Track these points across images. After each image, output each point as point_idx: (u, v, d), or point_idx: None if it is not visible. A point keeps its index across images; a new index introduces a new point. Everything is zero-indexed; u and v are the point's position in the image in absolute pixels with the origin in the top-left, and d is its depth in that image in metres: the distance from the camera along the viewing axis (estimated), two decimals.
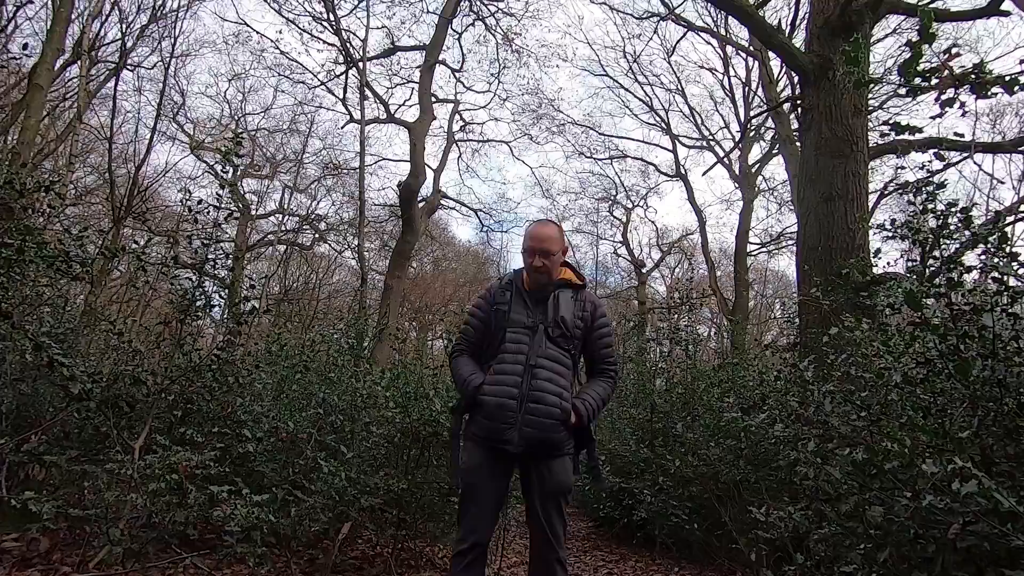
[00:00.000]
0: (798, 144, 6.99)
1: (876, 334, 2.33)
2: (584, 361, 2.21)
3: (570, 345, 2.07)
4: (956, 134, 1.96)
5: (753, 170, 15.20)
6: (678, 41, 17.73)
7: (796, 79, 6.25)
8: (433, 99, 12.55)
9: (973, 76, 1.56)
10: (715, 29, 13.11)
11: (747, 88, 14.38)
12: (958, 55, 1.57)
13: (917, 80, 1.62)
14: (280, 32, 21.11)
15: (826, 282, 3.67)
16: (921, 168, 2.08)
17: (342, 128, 17.61)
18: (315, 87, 14.44)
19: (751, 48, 12.24)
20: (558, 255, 2.13)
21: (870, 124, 5.05)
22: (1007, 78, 1.53)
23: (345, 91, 13.28)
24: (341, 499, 2.88)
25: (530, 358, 1.99)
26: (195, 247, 3.11)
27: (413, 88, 13.56)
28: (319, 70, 16.48)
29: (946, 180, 2.00)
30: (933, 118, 1.68)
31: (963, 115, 1.60)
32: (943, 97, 1.61)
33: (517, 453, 1.96)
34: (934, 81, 1.60)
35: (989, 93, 1.58)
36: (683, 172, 16.85)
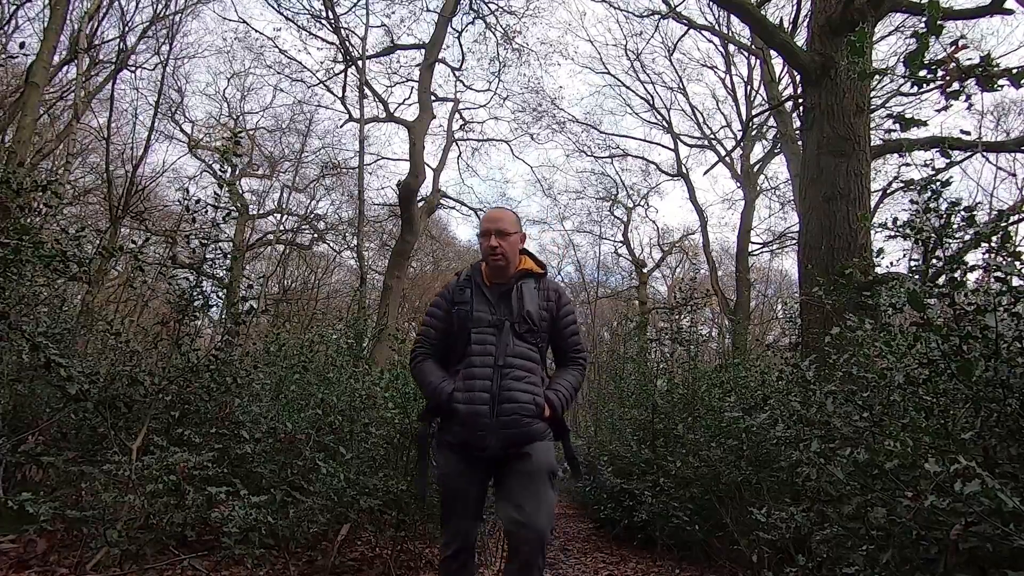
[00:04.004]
0: (800, 143, 6.97)
1: (878, 334, 2.31)
2: (552, 350, 2.12)
3: (537, 339, 1.98)
4: (962, 131, 1.93)
5: (755, 169, 15.17)
6: (679, 39, 17.68)
7: (798, 78, 6.23)
8: (433, 98, 12.52)
9: (979, 68, 1.53)
10: (717, 27, 13.08)
11: (749, 87, 14.35)
12: (965, 47, 1.55)
13: (923, 72, 1.60)
14: (279, 30, 21.09)
15: (828, 282, 3.64)
16: (925, 165, 2.06)
17: (341, 127, 17.63)
18: (314, 86, 14.43)
19: (753, 47, 12.21)
20: (514, 238, 2.03)
21: (872, 123, 5.02)
22: (1014, 71, 1.51)
23: (344, 90, 13.27)
24: (340, 500, 2.87)
25: (498, 358, 1.89)
26: (193, 247, 3.10)
27: (413, 87, 13.56)
28: (318, 68, 16.49)
29: (951, 177, 1.97)
30: (938, 111, 1.66)
31: (968, 108, 1.58)
32: (949, 89, 1.59)
33: (496, 456, 1.87)
34: (940, 73, 1.58)
35: (995, 86, 1.56)
36: (684, 171, 16.83)
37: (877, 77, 8.02)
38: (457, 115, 15.35)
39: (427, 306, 2.18)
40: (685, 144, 17.03)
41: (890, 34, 11.05)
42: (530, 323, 1.95)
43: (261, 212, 17.53)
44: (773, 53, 9.97)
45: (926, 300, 1.82)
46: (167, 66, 8.54)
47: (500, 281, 2.02)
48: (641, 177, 21.31)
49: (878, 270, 3.58)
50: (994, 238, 1.86)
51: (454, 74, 14.46)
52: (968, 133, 1.71)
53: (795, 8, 6.95)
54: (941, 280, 1.90)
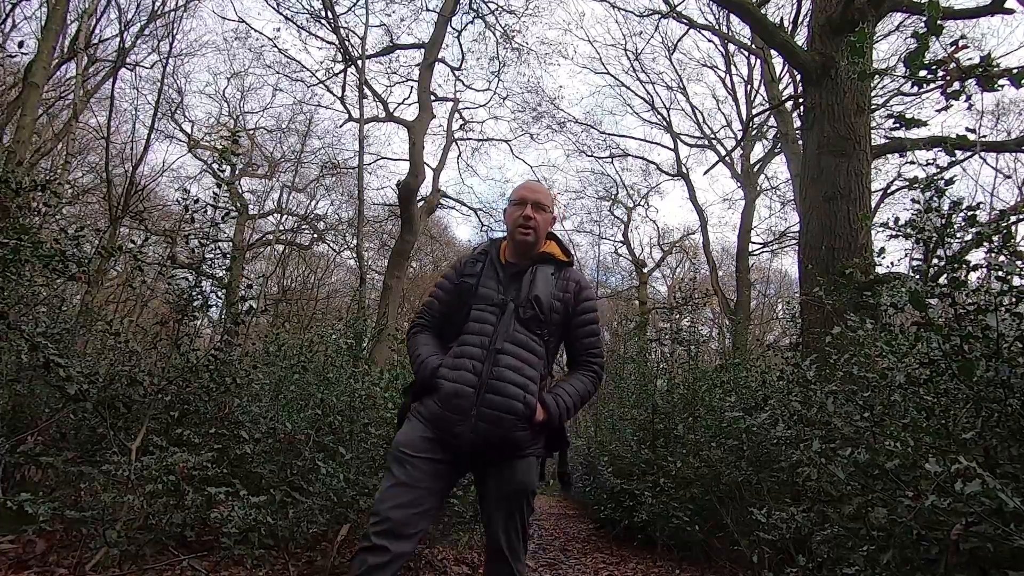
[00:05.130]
0: (800, 143, 6.97)
1: (879, 334, 2.31)
2: (566, 352, 1.91)
3: (543, 330, 1.76)
4: (968, 129, 1.91)
5: (755, 169, 15.18)
6: (680, 39, 17.70)
7: (798, 77, 6.23)
8: (432, 97, 12.52)
9: (980, 68, 1.53)
10: (717, 27, 13.08)
11: (749, 86, 14.36)
12: (965, 47, 1.55)
13: (923, 72, 1.60)
14: (278, 30, 21.09)
15: (829, 281, 3.64)
16: (928, 164, 2.05)
17: (341, 127, 17.64)
18: (313, 85, 14.44)
19: (753, 46, 12.21)
20: (548, 216, 1.86)
21: (873, 123, 5.03)
22: (1014, 71, 1.51)
23: (344, 89, 13.28)
24: (339, 501, 2.86)
25: (494, 341, 1.69)
26: (192, 247, 3.10)
27: (412, 86, 13.56)
28: (317, 68, 16.48)
29: (955, 176, 1.96)
30: (939, 111, 1.66)
31: (969, 108, 1.58)
32: (949, 89, 1.59)
33: (468, 452, 1.66)
34: (940, 73, 1.58)
35: (996, 86, 1.55)
36: (684, 171, 16.85)
37: (878, 77, 8.02)
38: (457, 115, 15.36)
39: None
40: (685, 144, 17.07)
41: (890, 33, 11.07)
42: (536, 309, 1.74)
43: (261, 212, 17.55)
44: (773, 53, 9.97)
45: (927, 300, 1.81)
46: (166, 65, 8.55)
47: (517, 261, 1.85)
48: (641, 177, 21.38)
49: (879, 270, 3.57)
50: (995, 238, 1.85)
51: (454, 74, 14.48)
52: (973, 131, 1.70)
53: (795, 7, 6.96)
54: (942, 280, 1.90)
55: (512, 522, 1.71)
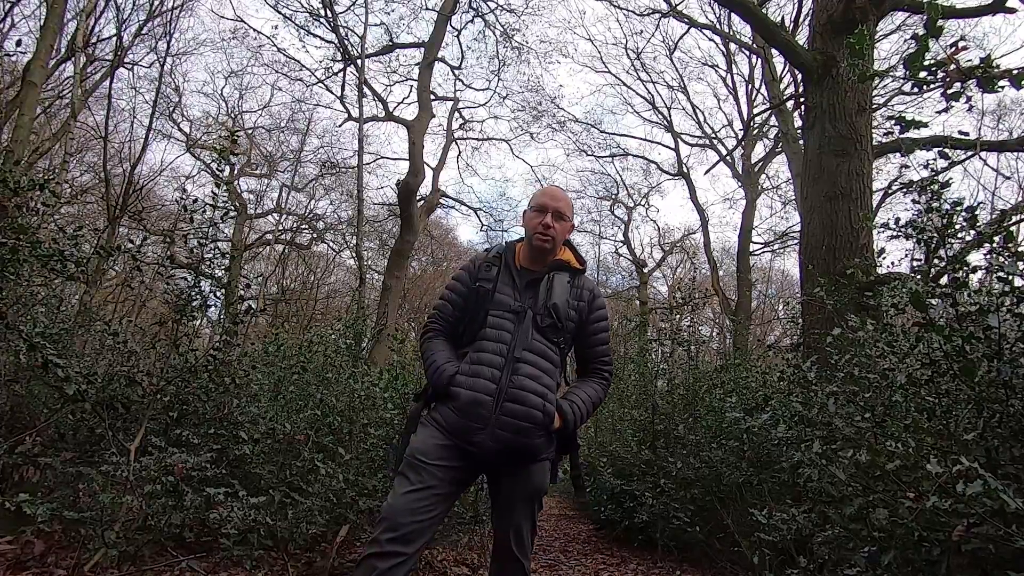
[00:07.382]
0: (801, 142, 6.96)
1: (880, 335, 2.30)
2: (575, 357, 1.93)
3: (560, 338, 1.77)
4: (961, 132, 1.90)
5: (756, 168, 15.16)
6: (680, 38, 17.72)
7: (799, 77, 6.22)
8: (432, 97, 12.50)
9: (980, 70, 1.52)
10: (718, 26, 13.06)
11: (750, 86, 14.33)
12: (965, 48, 1.54)
13: (923, 74, 1.59)
14: (276, 28, 21.07)
15: (830, 282, 3.63)
16: (926, 167, 2.05)
17: (340, 126, 17.55)
18: (313, 84, 14.42)
19: (754, 45, 12.20)
20: (567, 225, 1.86)
21: (874, 122, 5.02)
22: (1015, 72, 1.50)
23: (343, 88, 13.26)
24: (339, 501, 2.86)
25: (513, 349, 1.69)
26: (191, 246, 3.09)
27: (412, 86, 13.54)
28: (317, 67, 16.49)
29: (951, 179, 1.96)
30: (939, 112, 1.65)
31: (969, 109, 1.57)
32: (949, 91, 1.58)
33: (484, 459, 1.66)
34: (940, 75, 1.57)
35: (996, 87, 1.55)
36: (685, 170, 16.82)
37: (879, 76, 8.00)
38: (456, 114, 15.37)
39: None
40: (686, 143, 17.03)
41: (892, 33, 11.06)
42: (554, 318, 1.75)
43: (260, 212, 17.52)
44: (774, 52, 9.96)
45: (928, 300, 1.81)
46: (164, 63, 8.53)
47: (532, 267, 1.84)
48: (642, 176, 21.35)
49: (880, 270, 3.57)
50: (996, 238, 1.85)
51: (453, 73, 14.47)
52: (967, 134, 1.70)
53: (796, 6, 6.96)
54: (943, 280, 1.89)
55: (525, 522, 1.73)
